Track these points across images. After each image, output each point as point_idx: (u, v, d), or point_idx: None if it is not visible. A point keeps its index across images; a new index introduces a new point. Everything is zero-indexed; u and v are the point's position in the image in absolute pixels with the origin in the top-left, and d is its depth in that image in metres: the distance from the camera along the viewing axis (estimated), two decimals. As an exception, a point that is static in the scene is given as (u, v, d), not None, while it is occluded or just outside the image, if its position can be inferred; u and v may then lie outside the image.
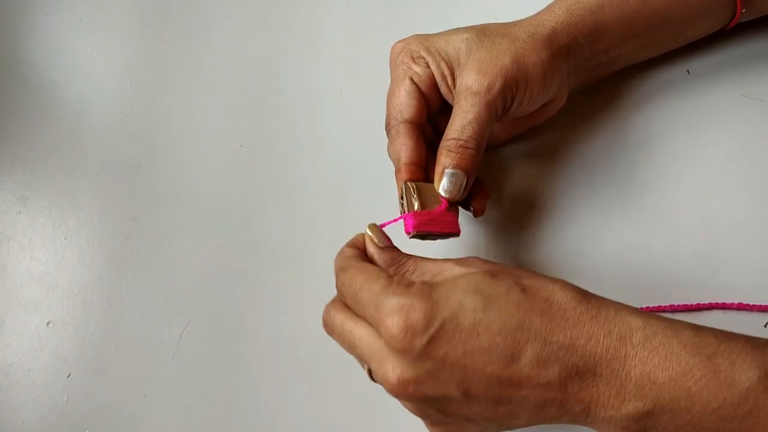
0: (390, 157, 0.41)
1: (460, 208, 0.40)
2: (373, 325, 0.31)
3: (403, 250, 0.36)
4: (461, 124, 0.37)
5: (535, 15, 0.41)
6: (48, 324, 0.46)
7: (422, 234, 0.37)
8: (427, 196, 0.38)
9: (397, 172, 0.39)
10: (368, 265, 0.33)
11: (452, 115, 0.38)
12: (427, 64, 0.40)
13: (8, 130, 0.52)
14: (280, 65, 0.52)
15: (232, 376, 0.43)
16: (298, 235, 0.46)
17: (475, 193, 0.40)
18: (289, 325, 0.44)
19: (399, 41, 0.41)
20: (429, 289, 0.30)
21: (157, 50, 0.54)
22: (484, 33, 0.39)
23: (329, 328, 0.34)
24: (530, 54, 0.38)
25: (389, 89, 0.41)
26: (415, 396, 0.30)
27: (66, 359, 0.45)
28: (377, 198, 0.45)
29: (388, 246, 0.35)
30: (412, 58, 0.40)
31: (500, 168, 0.45)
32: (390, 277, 0.32)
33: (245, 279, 0.45)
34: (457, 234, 0.38)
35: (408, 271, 0.34)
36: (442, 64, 0.39)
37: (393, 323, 0.29)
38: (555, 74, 0.39)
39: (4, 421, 0.44)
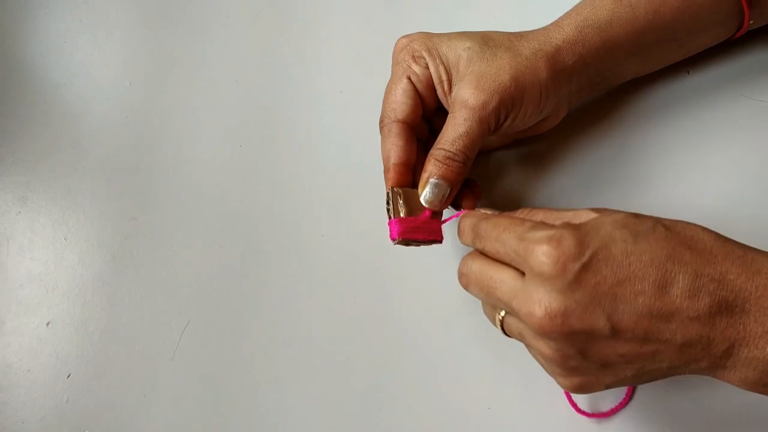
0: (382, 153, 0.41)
1: (451, 208, 0.40)
2: (520, 258, 0.31)
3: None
4: (452, 136, 0.37)
5: (543, 29, 0.40)
6: (48, 324, 0.46)
7: (406, 241, 0.38)
8: (413, 202, 0.38)
9: (386, 171, 0.39)
10: (508, 215, 0.34)
11: (445, 125, 0.38)
12: (427, 65, 0.39)
13: (8, 130, 0.52)
14: (280, 65, 0.52)
15: (231, 376, 0.43)
16: (298, 235, 0.46)
17: (466, 193, 0.40)
18: (289, 325, 0.44)
19: (404, 36, 0.41)
20: (576, 225, 0.30)
21: (157, 50, 0.54)
22: (487, 44, 0.39)
23: (465, 278, 0.35)
24: (530, 73, 0.38)
25: (387, 85, 0.41)
26: (561, 330, 0.29)
27: (66, 359, 0.45)
28: (377, 198, 0.45)
29: (502, 213, 0.36)
30: (413, 57, 0.40)
31: (495, 171, 0.45)
32: (534, 222, 0.32)
33: (245, 279, 0.45)
34: (440, 241, 0.39)
35: (539, 218, 0.34)
36: (441, 69, 0.39)
37: (544, 251, 0.29)
38: (552, 95, 0.39)
39: (4, 422, 0.44)
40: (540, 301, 0.30)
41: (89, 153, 0.51)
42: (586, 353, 0.30)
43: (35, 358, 0.45)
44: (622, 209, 0.33)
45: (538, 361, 0.34)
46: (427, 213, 0.38)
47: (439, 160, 0.37)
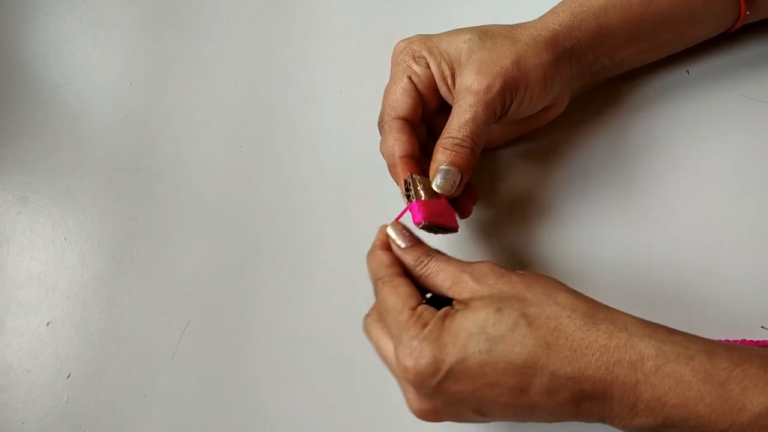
0: (382, 153, 0.41)
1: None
2: (395, 353, 0.33)
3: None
4: (459, 122, 0.37)
5: (539, 18, 0.40)
6: (48, 324, 0.46)
7: (429, 225, 0.37)
8: (429, 190, 0.38)
9: (392, 167, 0.39)
10: (399, 287, 0.35)
11: (451, 114, 0.38)
12: (428, 64, 0.40)
13: (8, 130, 0.52)
14: (280, 65, 0.52)
15: (231, 376, 0.43)
16: (298, 235, 0.46)
17: (462, 195, 0.40)
18: (289, 325, 0.44)
19: (402, 40, 0.41)
20: (439, 332, 0.32)
21: (157, 50, 0.54)
22: (486, 34, 0.39)
23: (366, 333, 0.37)
24: (532, 56, 0.38)
25: (387, 85, 0.41)
26: (437, 420, 0.33)
27: (66, 359, 0.45)
28: (377, 198, 0.45)
29: (411, 245, 0.36)
30: (414, 58, 0.40)
31: (499, 169, 0.45)
32: (413, 309, 0.33)
33: (245, 279, 0.45)
34: (456, 230, 0.39)
35: (431, 273, 0.35)
36: (443, 65, 0.39)
37: (407, 365, 0.32)
38: (556, 78, 0.39)
39: (4, 422, 0.44)
40: (413, 399, 0.33)
41: (89, 153, 0.51)
42: (468, 419, 0.34)
43: (35, 358, 0.45)
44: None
45: None
46: (443, 200, 0.38)
47: (447, 148, 0.37)
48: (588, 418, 0.31)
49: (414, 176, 0.38)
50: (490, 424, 0.39)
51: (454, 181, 0.37)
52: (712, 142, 0.43)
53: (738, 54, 0.45)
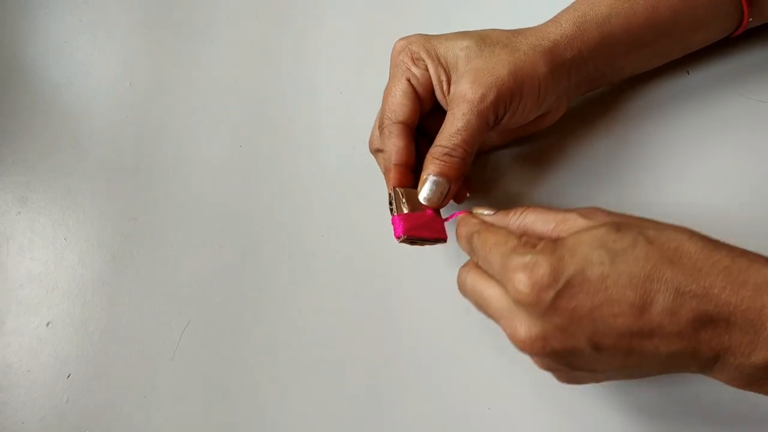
0: (373, 152, 0.42)
1: (453, 202, 0.40)
2: (502, 281, 0.31)
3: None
4: (451, 131, 0.37)
5: (541, 26, 0.40)
6: (48, 324, 0.46)
7: (412, 239, 0.38)
8: (415, 202, 0.38)
9: (387, 172, 0.39)
10: (498, 229, 0.34)
11: (444, 122, 0.38)
12: (426, 67, 0.40)
13: (8, 130, 0.52)
14: (280, 65, 0.52)
15: (231, 376, 0.43)
16: (297, 235, 0.46)
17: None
18: (289, 325, 0.44)
19: (402, 39, 0.41)
20: (554, 246, 0.30)
21: (157, 50, 0.54)
22: (484, 41, 0.39)
23: (462, 289, 0.35)
24: (529, 67, 0.38)
25: (386, 87, 0.41)
26: (543, 351, 0.31)
27: (66, 360, 0.45)
28: (377, 198, 0.45)
29: (499, 212, 0.36)
30: (412, 59, 0.40)
31: (496, 171, 0.45)
32: (519, 237, 0.32)
33: (245, 279, 0.45)
34: (444, 240, 0.39)
35: (530, 222, 0.34)
36: (440, 70, 0.39)
37: (519, 279, 0.30)
38: (551, 89, 0.39)
39: (3, 422, 0.44)
40: (520, 325, 0.31)
41: (89, 153, 0.51)
42: (573, 365, 0.31)
43: (35, 358, 0.45)
44: (615, 210, 0.33)
45: None
46: (429, 212, 0.38)
47: (436, 158, 0.37)
48: (705, 354, 0.29)
49: (398, 190, 0.38)
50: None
51: (442, 192, 0.38)
52: (712, 143, 0.43)
53: (738, 54, 0.45)
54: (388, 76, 0.41)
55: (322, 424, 0.41)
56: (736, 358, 0.29)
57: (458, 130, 0.37)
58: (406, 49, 0.40)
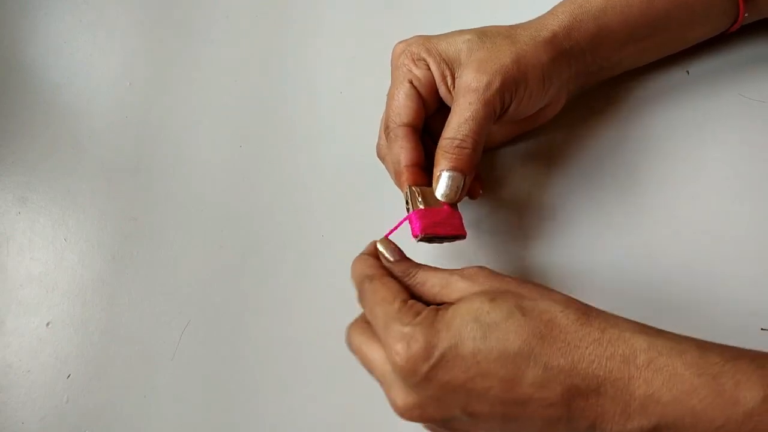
0: (380, 158, 0.41)
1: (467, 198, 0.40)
2: (383, 344, 0.32)
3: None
4: (458, 122, 0.37)
5: (538, 18, 0.41)
6: (48, 324, 0.46)
7: (429, 237, 0.37)
8: (431, 200, 0.38)
9: (398, 175, 0.39)
10: (389, 282, 0.34)
11: (450, 114, 0.38)
12: (428, 66, 0.39)
13: (8, 130, 0.52)
14: (280, 65, 0.52)
15: (231, 376, 0.43)
16: (298, 235, 0.46)
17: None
18: (289, 325, 0.44)
19: (401, 42, 0.41)
20: (433, 318, 0.31)
21: (157, 50, 0.54)
22: (485, 34, 0.39)
23: (350, 347, 0.36)
24: (531, 56, 0.38)
25: (389, 91, 0.41)
26: (420, 419, 0.32)
27: (66, 360, 0.45)
28: (377, 198, 0.45)
29: (398, 260, 0.36)
30: (413, 60, 0.40)
31: (498, 169, 0.45)
32: (404, 300, 0.33)
33: (245, 279, 0.45)
34: (463, 236, 0.38)
35: (419, 283, 0.35)
36: (443, 65, 0.39)
37: (397, 350, 0.31)
38: (554, 78, 0.39)
39: (3, 422, 0.44)
40: (398, 394, 0.32)
41: (89, 153, 0.51)
42: (453, 428, 0.32)
43: (35, 358, 0.45)
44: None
45: None
46: (446, 208, 0.38)
47: (447, 151, 0.37)
48: (579, 422, 0.30)
49: (413, 188, 0.38)
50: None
51: (458, 186, 0.38)
52: (711, 142, 0.43)
53: (737, 54, 0.45)
54: (388, 76, 0.42)
55: (322, 424, 0.41)
56: (612, 425, 0.29)
57: (466, 119, 0.37)
58: (406, 51, 0.40)
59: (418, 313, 0.32)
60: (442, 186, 0.37)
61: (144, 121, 0.51)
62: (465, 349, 0.30)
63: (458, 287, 0.33)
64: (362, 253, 0.37)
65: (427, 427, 0.33)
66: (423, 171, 0.39)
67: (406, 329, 0.31)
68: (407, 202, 0.38)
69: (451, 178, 0.37)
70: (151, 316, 0.45)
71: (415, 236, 0.37)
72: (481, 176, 0.42)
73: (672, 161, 0.43)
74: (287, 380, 0.42)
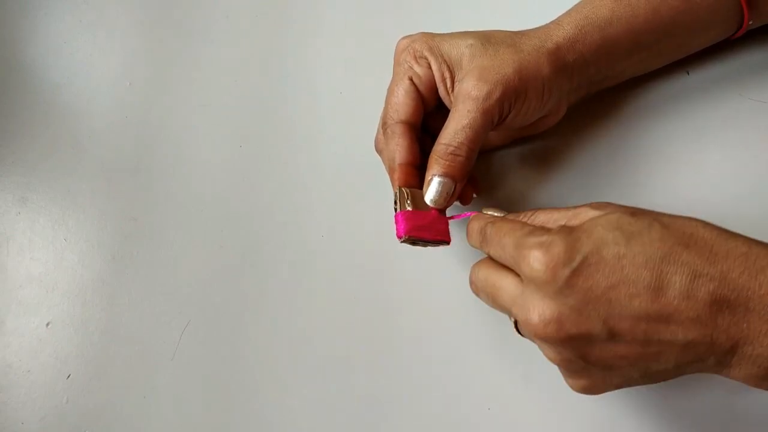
0: (379, 151, 0.41)
1: (458, 203, 0.40)
2: (516, 262, 0.31)
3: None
4: (455, 128, 0.37)
5: (543, 27, 0.40)
6: (48, 325, 0.46)
7: (413, 239, 0.37)
8: (420, 203, 0.38)
9: (392, 172, 0.39)
10: (513, 220, 0.34)
11: (448, 119, 0.38)
12: (429, 65, 0.39)
13: (8, 130, 0.52)
14: (280, 65, 0.52)
15: (231, 376, 0.43)
16: (298, 235, 0.46)
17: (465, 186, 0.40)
18: (289, 325, 0.44)
19: (405, 37, 0.41)
20: (569, 229, 0.30)
21: (157, 50, 0.54)
22: (489, 40, 0.39)
23: (474, 285, 0.35)
24: (533, 68, 0.38)
25: (389, 86, 0.41)
26: (557, 336, 0.29)
27: (66, 360, 0.45)
28: (377, 198, 0.45)
29: (509, 213, 0.36)
30: (415, 58, 0.40)
31: (498, 171, 0.45)
32: (533, 227, 0.32)
33: (245, 279, 0.45)
34: (447, 242, 0.39)
35: (542, 221, 0.34)
36: (444, 67, 0.39)
37: (535, 257, 0.29)
38: (554, 90, 0.39)
39: (3, 422, 0.44)
40: (534, 308, 0.30)
41: (89, 153, 0.51)
42: (587, 357, 0.30)
43: (35, 358, 0.45)
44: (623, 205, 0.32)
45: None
46: (434, 212, 0.38)
47: (441, 157, 0.37)
48: (723, 343, 0.28)
49: (403, 189, 0.38)
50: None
51: (447, 192, 0.38)
52: (712, 143, 0.43)
53: (738, 55, 0.45)
54: (389, 76, 0.42)
55: (322, 424, 0.41)
56: (755, 348, 0.28)
57: (463, 127, 0.37)
58: (409, 48, 0.40)
59: (550, 230, 0.31)
60: (431, 191, 0.38)
61: (144, 121, 0.51)
62: (608, 253, 0.29)
63: (589, 214, 0.32)
64: (473, 216, 0.37)
65: (558, 353, 0.31)
66: (416, 170, 0.39)
67: (543, 237, 0.30)
68: (395, 202, 0.38)
69: (442, 184, 0.37)
70: (151, 316, 0.45)
71: (399, 237, 0.37)
72: (477, 180, 0.42)
73: (672, 162, 0.43)
74: (287, 380, 0.42)
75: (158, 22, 0.55)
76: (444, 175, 0.37)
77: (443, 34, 0.40)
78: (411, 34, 0.41)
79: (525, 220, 0.35)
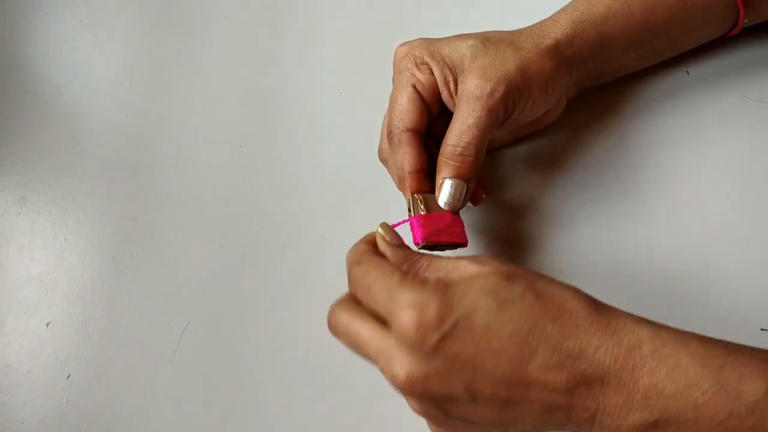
0: (383, 161, 0.41)
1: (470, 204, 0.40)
2: (386, 318, 0.31)
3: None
4: (461, 129, 0.37)
5: (540, 24, 0.40)
6: (48, 325, 0.46)
7: (431, 244, 0.37)
8: (433, 207, 0.38)
9: (402, 181, 0.39)
10: (383, 261, 0.33)
11: (452, 120, 0.38)
12: (431, 70, 0.39)
13: (8, 130, 0.52)
14: (280, 66, 0.52)
15: (231, 376, 0.43)
16: (298, 235, 0.46)
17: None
18: (289, 325, 0.44)
19: (403, 44, 0.41)
20: (444, 287, 0.30)
21: (157, 50, 0.54)
22: (489, 40, 0.39)
23: (334, 329, 0.34)
24: (534, 64, 0.38)
25: (392, 95, 0.40)
26: (422, 394, 0.30)
27: (66, 360, 0.45)
28: (377, 198, 0.45)
29: (400, 244, 0.35)
30: (416, 64, 0.40)
31: (499, 171, 0.45)
32: (404, 273, 0.32)
33: (245, 279, 0.45)
34: (465, 244, 0.38)
35: (421, 267, 0.33)
36: (446, 70, 0.39)
37: (407, 317, 0.29)
38: (556, 85, 0.39)
39: (3, 422, 0.44)
40: (402, 366, 0.30)
41: (89, 153, 0.51)
42: (449, 412, 0.31)
43: (35, 358, 0.45)
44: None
45: None
46: (448, 215, 0.38)
47: (449, 159, 0.37)
48: (580, 413, 0.29)
49: (416, 196, 0.38)
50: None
51: (461, 194, 0.38)
52: (712, 143, 0.43)
53: (737, 54, 0.45)
54: (388, 76, 0.41)
55: (322, 424, 0.41)
56: (612, 419, 0.29)
57: (469, 127, 0.37)
58: (409, 55, 0.40)
59: (425, 282, 0.31)
60: (444, 194, 0.37)
61: (144, 121, 0.51)
62: (478, 322, 0.29)
63: (469, 270, 0.32)
64: (357, 243, 0.36)
65: (421, 408, 0.32)
66: (426, 177, 0.39)
67: (417, 294, 0.30)
68: (409, 210, 0.38)
69: (454, 186, 0.37)
70: (151, 316, 0.45)
71: (417, 244, 0.37)
72: (485, 181, 0.42)
73: (673, 162, 0.43)
74: (287, 380, 0.42)
75: (158, 22, 0.55)
76: (455, 176, 0.37)
77: (441, 39, 0.40)
78: (409, 40, 0.41)
79: (404, 263, 0.34)
